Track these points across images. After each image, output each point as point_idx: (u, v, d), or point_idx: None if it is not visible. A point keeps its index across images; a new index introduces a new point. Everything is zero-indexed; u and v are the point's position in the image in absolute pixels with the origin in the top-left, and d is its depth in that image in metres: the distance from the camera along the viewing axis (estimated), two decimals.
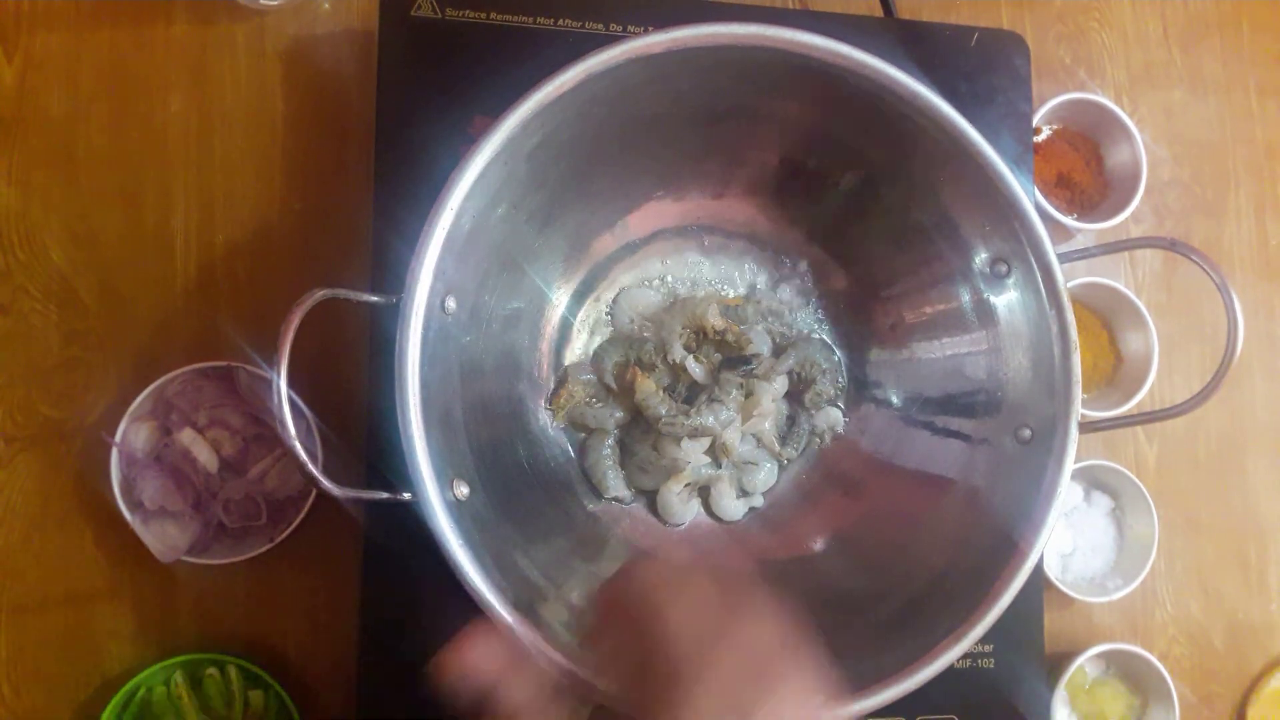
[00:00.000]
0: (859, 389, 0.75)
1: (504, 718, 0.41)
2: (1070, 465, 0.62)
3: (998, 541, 0.62)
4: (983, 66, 0.77)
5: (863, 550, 0.70)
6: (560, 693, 0.44)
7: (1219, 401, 0.68)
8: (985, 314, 0.67)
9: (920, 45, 0.74)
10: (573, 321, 0.73)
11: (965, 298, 0.68)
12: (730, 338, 0.71)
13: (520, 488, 0.67)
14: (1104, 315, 0.84)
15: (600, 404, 0.72)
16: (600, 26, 0.73)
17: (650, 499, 0.72)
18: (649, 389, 0.70)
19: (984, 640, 0.60)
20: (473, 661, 0.42)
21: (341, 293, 0.54)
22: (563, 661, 0.54)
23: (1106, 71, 0.89)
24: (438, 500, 0.54)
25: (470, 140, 0.57)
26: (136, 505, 0.67)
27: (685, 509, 0.72)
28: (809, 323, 0.75)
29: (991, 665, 0.72)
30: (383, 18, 0.69)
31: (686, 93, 0.63)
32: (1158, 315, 0.82)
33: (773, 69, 0.61)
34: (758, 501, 0.73)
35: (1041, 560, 0.72)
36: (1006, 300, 0.66)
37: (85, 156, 0.72)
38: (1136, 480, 0.80)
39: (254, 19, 0.75)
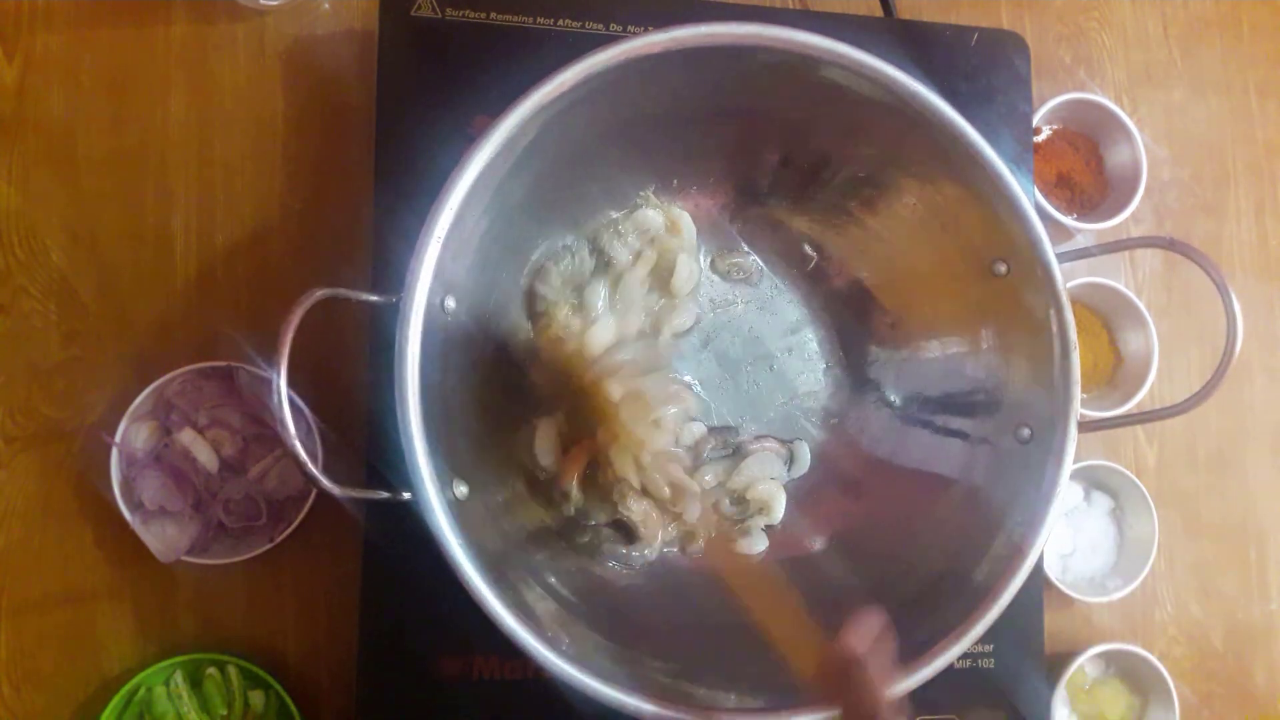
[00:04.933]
0: (859, 388, 0.75)
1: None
2: (1070, 465, 0.62)
3: (997, 541, 0.62)
4: (983, 66, 0.77)
5: (862, 550, 0.70)
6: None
7: (1219, 401, 0.68)
8: (985, 313, 0.67)
9: (920, 45, 0.74)
10: None
11: (965, 297, 0.68)
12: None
13: (519, 487, 0.67)
14: (1104, 315, 0.84)
15: None
16: (600, 26, 0.73)
17: None
18: None
19: (984, 640, 0.60)
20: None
21: (341, 292, 0.54)
22: (557, 661, 0.54)
23: (1106, 71, 0.89)
24: (437, 500, 0.54)
25: (470, 140, 0.57)
26: (136, 505, 0.67)
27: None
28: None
29: (991, 665, 0.72)
30: (383, 18, 0.69)
31: (686, 92, 0.63)
32: (1157, 315, 0.82)
33: (772, 68, 0.61)
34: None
35: (1041, 560, 0.72)
36: (1006, 299, 0.66)
37: (85, 156, 0.72)
38: (1136, 480, 0.80)
39: (254, 19, 0.75)
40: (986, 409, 0.68)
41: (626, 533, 0.69)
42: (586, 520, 0.69)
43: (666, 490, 0.68)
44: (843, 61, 0.60)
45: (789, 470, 0.73)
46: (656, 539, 0.68)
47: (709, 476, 0.72)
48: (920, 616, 0.61)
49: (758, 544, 0.71)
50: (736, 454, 0.73)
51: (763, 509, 0.71)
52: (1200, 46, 0.91)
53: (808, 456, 0.74)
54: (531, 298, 0.70)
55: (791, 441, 0.74)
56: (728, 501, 0.72)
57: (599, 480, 0.68)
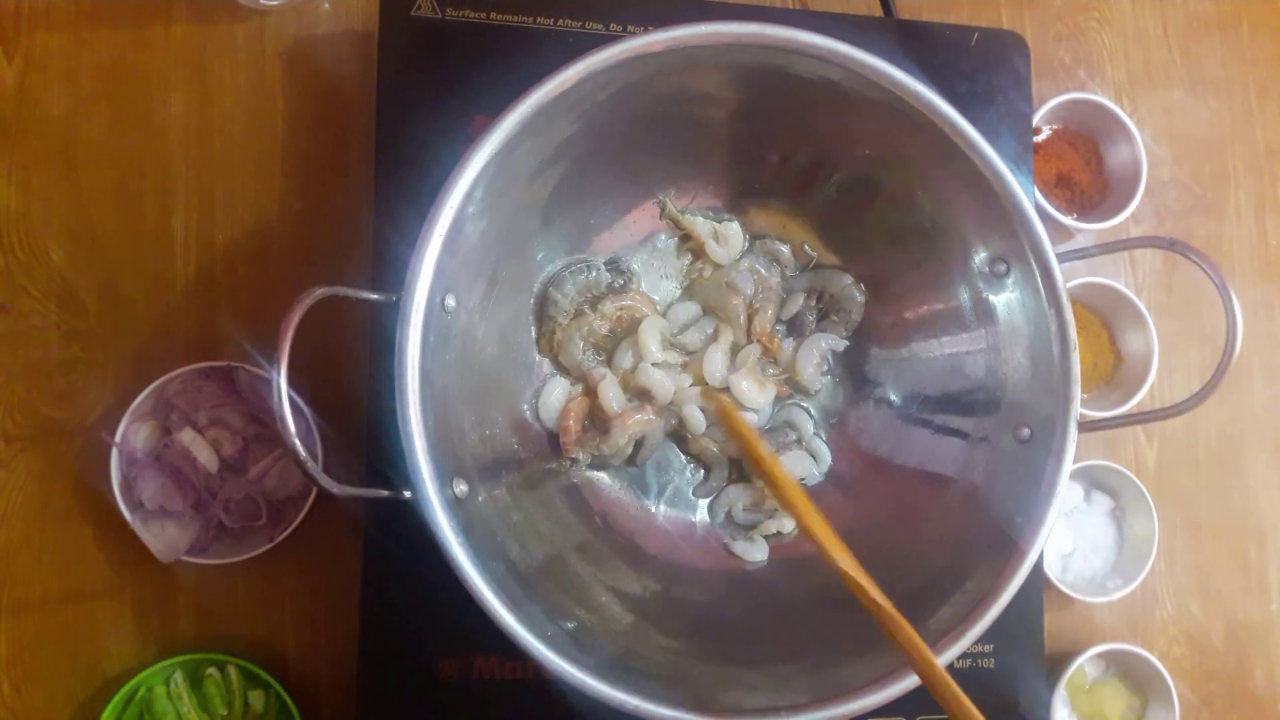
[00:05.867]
0: (858, 387, 0.75)
1: None
2: (1069, 464, 0.62)
3: (997, 540, 0.62)
4: (983, 66, 0.77)
5: (862, 549, 0.70)
6: None
7: (1219, 401, 0.68)
8: (984, 313, 0.67)
9: (920, 45, 0.74)
10: None
11: (964, 296, 0.68)
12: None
13: (519, 486, 0.67)
14: (1104, 315, 0.84)
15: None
16: (600, 26, 0.73)
17: (643, 484, 0.72)
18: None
19: (984, 640, 0.60)
20: None
21: (341, 291, 0.54)
22: (558, 660, 0.54)
23: (1106, 71, 0.89)
24: (437, 498, 0.54)
25: (470, 139, 0.57)
26: (136, 505, 0.67)
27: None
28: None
29: (991, 665, 0.72)
30: (383, 18, 0.69)
31: (686, 92, 0.63)
32: (1158, 315, 0.82)
33: (772, 68, 0.61)
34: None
35: (1041, 560, 0.72)
36: (1006, 299, 0.66)
37: (85, 156, 0.72)
38: (1136, 480, 0.80)
39: (254, 19, 0.75)
40: (986, 408, 0.67)
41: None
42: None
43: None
44: (843, 61, 0.60)
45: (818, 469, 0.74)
46: (627, 427, 0.69)
47: (740, 504, 0.73)
48: (920, 616, 0.61)
49: (756, 553, 0.71)
50: (745, 478, 0.73)
51: (779, 510, 0.71)
52: (1200, 46, 0.91)
53: (828, 454, 0.74)
54: (543, 302, 0.70)
55: (807, 441, 0.74)
56: (740, 507, 0.72)
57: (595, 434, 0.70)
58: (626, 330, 0.72)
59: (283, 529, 0.68)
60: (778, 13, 0.81)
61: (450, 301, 0.59)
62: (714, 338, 0.72)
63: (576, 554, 0.67)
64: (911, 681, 0.58)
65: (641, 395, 0.71)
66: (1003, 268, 0.65)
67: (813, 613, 0.68)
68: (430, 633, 0.66)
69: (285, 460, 0.69)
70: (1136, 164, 0.83)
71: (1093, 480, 0.83)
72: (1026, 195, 0.63)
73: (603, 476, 0.71)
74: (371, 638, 0.66)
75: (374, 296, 0.56)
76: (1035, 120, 0.80)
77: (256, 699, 0.68)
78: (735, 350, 0.73)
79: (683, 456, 0.73)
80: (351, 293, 0.55)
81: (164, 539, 0.67)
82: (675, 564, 0.71)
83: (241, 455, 0.70)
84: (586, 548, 0.68)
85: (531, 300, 0.71)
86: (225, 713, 0.68)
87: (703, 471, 0.73)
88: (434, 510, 0.54)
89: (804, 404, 0.75)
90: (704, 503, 0.73)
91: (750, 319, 0.73)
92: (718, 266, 0.73)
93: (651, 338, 0.71)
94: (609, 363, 0.72)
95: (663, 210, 0.72)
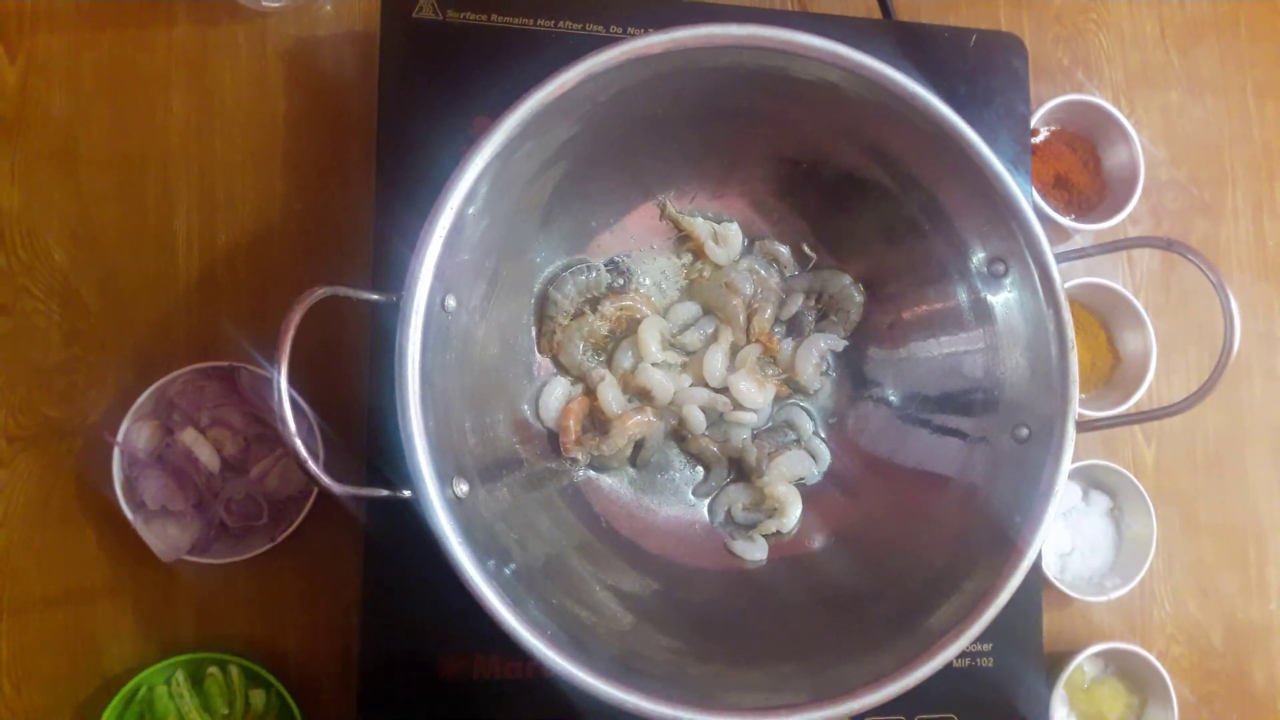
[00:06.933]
0: (858, 387, 0.75)
1: None
2: (1068, 464, 0.62)
3: (996, 540, 0.62)
4: (981, 68, 0.77)
5: (861, 549, 0.70)
6: None
7: (1217, 401, 0.68)
8: (983, 313, 0.68)
9: (919, 47, 0.75)
10: None
11: (963, 297, 0.69)
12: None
13: (519, 486, 0.67)
14: (1102, 315, 0.84)
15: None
16: (600, 28, 0.73)
17: (643, 483, 0.73)
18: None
19: (983, 639, 0.61)
20: None
21: (342, 291, 0.55)
22: (558, 660, 0.55)
23: (1104, 73, 0.89)
24: (437, 498, 0.54)
25: (470, 140, 0.57)
26: (138, 505, 0.68)
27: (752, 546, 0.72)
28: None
29: (990, 664, 0.72)
30: (384, 19, 0.69)
31: (685, 93, 0.63)
32: (1155, 315, 0.82)
33: (771, 70, 0.62)
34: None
35: (1040, 559, 0.72)
36: (1004, 300, 0.66)
37: (87, 156, 0.72)
38: (1135, 480, 0.81)
39: (256, 20, 0.75)
40: (985, 408, 0.68)
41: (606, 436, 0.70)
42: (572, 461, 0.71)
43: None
44: (842, 63, 0.61)
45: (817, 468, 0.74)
46: (626, 429, 0.69)
47: (740, 504, 0.73)
48: (919, 615, 0.61)
49: (756, 552, 0.71)
50: (744, 478, 0.73)
51: (778, 509, 0.72)
52: (1197, 47, 0.91)
53: (828, 454, 0.74)
54: (544, 302, 0.71)
55: (806, 441, 0.74)
56: (740, 506, 0.72)
57: (595, 435, 0.70)
58: (626, 330, 0.72)
59: (284, 529, 0.68)
60: (777, 15, 0.81)
61: (450, 302, 0.59)
62: (714, 338, 0.73)
63: (577, 554, 0.67)
64: (910, 681, 0.58)
65: (641, 395, 0.71)
66: (1001, 268, 0.66)
67: (812, 612, 0.68)
68: (430, 632, 0.66)
69: (286, 460, 0.69)
70: (1134, 165, 0.83)
71: (1091, 480, 0.83)
72: (1024, 196, 0.63)
73: (603, 476, 0.72)
74: (371, 638, 0.66)
75: (374, 297, 0.56)
76: (1033, 122, 0.81)
77: (257, 698, 0.68)
78: (735, 350, 0.73)
79: (683, 456, 0.74)
80: (352, 293, 0.55)
81: (165, 539, 0.67)
82: (675, 564, 0.71)
83: (243, 455, 0.70)
84: (587, 547, 0.68)
85: (532, 301, 0.71)
86: (226, 712, 0.68)
87: (702, 471, 0.74)
88: (434, 510, 0.54)
89: (803, 404, 0.75)
90: (704, 502, 0.73)
91: (750, 319, 0.73)
92: (717, 267, 0.73)
93: (651, 337, 0.71)
94: (609, 363, 0.72)
95: (663, 211, 0.73)
